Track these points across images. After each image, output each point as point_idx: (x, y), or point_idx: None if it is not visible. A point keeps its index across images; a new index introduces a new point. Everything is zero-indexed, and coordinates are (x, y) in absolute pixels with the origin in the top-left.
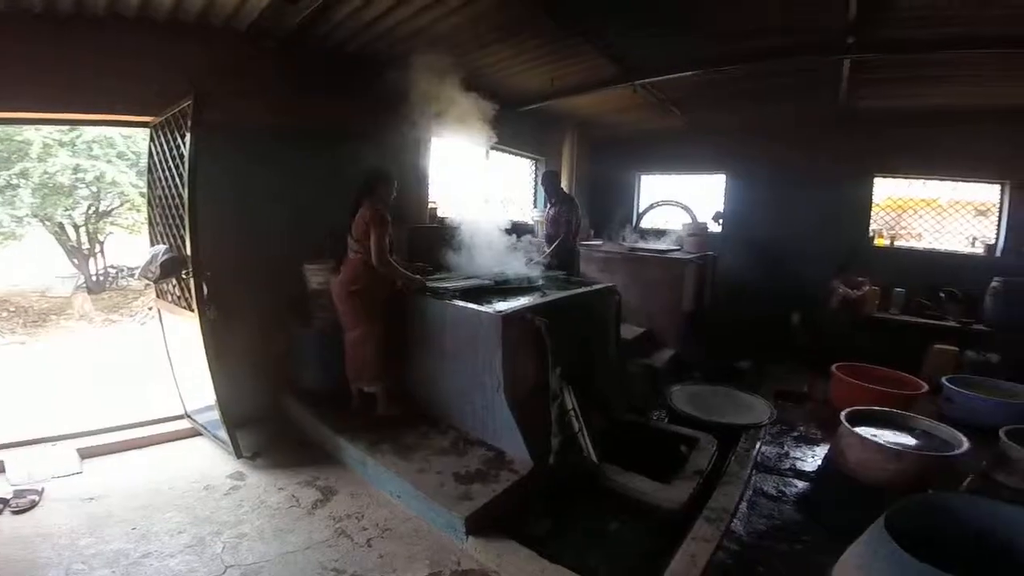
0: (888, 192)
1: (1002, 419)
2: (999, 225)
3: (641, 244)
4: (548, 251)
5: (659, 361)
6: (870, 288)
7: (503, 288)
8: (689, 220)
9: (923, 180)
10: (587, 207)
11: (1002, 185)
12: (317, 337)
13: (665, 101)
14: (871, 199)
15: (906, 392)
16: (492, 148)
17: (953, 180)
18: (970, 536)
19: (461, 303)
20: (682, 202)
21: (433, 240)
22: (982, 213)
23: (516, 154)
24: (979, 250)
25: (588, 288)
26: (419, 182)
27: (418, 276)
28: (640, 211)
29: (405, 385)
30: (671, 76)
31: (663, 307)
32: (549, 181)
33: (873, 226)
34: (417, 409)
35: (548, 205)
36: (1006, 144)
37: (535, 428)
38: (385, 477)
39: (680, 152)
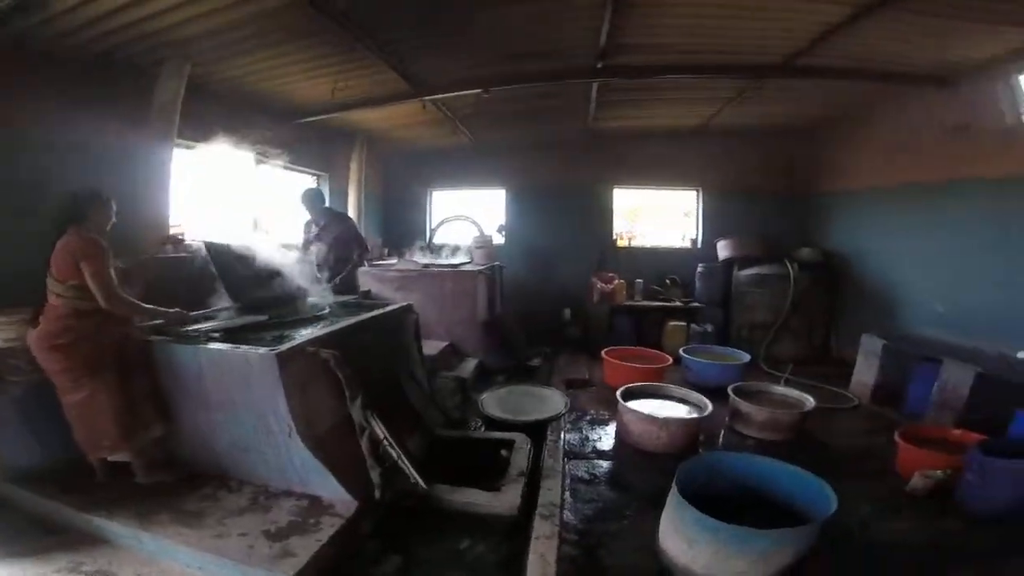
0: (627, 199)
1: (727, 379)
2: (697, 223)
3: (435, 260)
4: (343, 274)
5: (465, 372)
6: (619, 281)
7: (282, 322)
8: (477, 233)
9: (647, 189)
10: (380, 225)
11: (697, 191)
12: (16, 403)
13: (453, 118)
14: (612, 207)
15: (658, 366)
16: (264, 162)
17: (666, 188)
18: (739, 485)
19: (220, 346)
20: (471, 216)
21: (182, 272)
22: (687, 215)
23: (296, 170)
24: (687, 244)
25: (382, 311)
26: (157, 203)
27: (176, 310)
28: (433, 227)
29: (171, 445)
30: (454, 94)
31: (461, 319)
32: (310, 200)
33: (616, 230)
34: (194, 470)
35: (315, 226)
36: (699, 157)
37: (349, 465)
38: (174, 550)
39: (468, 168)
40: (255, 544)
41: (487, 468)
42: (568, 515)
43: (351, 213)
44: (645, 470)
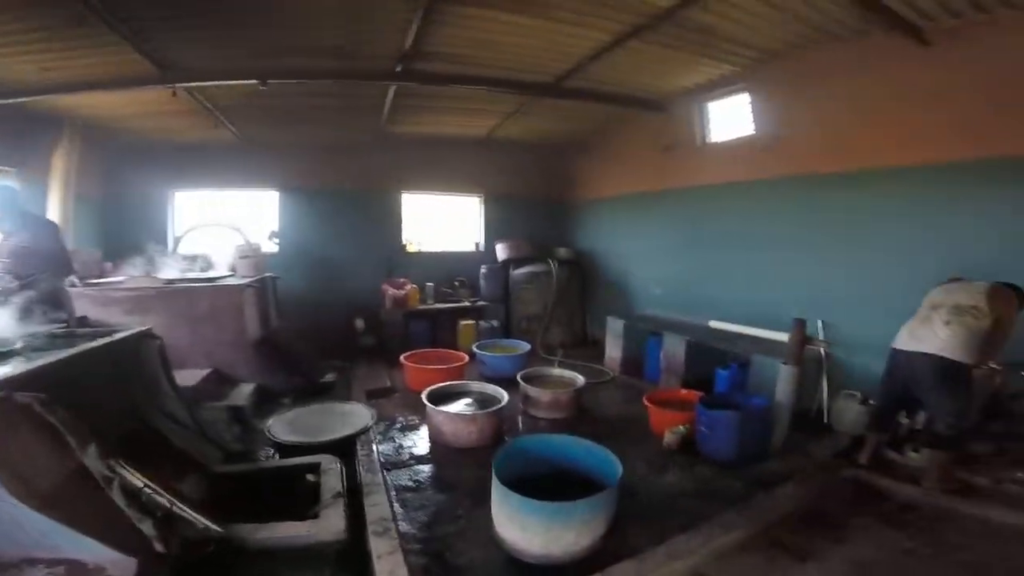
0: (416, 205)
1: (515, 368)
2: (480, 228)
3: (184, 275)
4: (42, 295)
5: (240, 399)
6: (411, 287)
7: None
8: (241, 241)
9: (435, 194)
10: (99, 234)
11: (480, 197)
12: None
13: (214, 111)
14: (401, 212)
15: (456, 365)
16: None
17: (453, 194)
18: (547, 464)
19: None
20: (231, 222)
21: None
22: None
23: None
24: (472, 248)
25: (108, 339)
26: None
27: None
28: (178, 235)
29: None
30: (219, 83)
31: (226, 340)
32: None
33: (405, 235)
34: None
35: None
36: (482, 165)
37: (108, 520)
38: None
39: (227, 166)
40: None
41: (295, 498)
42: (404, 526)
43: (54, 218)
44: (465, 467)
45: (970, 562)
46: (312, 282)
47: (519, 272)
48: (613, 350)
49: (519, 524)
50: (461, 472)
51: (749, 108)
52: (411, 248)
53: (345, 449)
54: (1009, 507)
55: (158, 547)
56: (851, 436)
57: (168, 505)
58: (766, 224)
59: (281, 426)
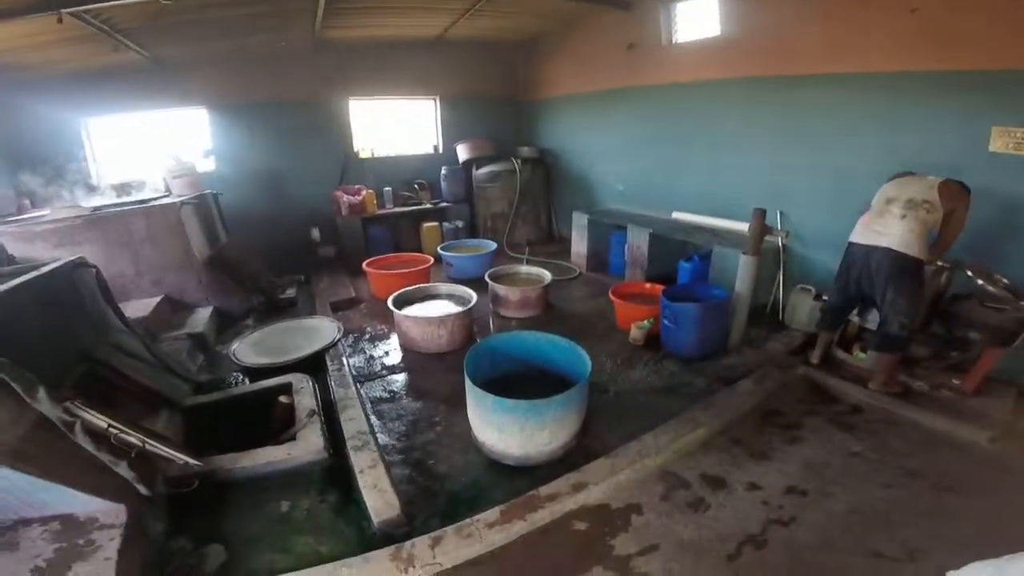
0: (365, 110)
1: (482, 268)
2: (437, 130)
3: (113, 200)
4: None
5: (199, 325)
6: (367, 192)
7: None
8: (173, 163)
9: (386, 99)
10: (10, 172)
11: (435, 99)
12: None
13: (114, 34)
14: (349, 118)
15: (421, 268)
16: None
17: (405, 98)
18: (519, 363)
19: None
20: (158, 144)
21: None
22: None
23: None
24: (430, 150)
25: (33, 274)
26: None
27: None
28: (99, 162)
29: None
30: (114, 2)
31: (172, 264)
32: None
33: (357, 142)
34: None
35: None
36: (437, 67)
37: (81, 467)
38: None
39: (145, 88)
40: None
41: (270, 421)
42: (383, 438)
43: None
44: (438, 372)
45: (910, 469)
46: (259, 196)
47: (482, 172)
48: (579, 246)
49: (495, 425)
50: (435, 378)
51: (716, 8)
52: (363, 155)
53: (315, 366)
54: (943, 415)
55: (142, 489)
56: (804, 334)
57: (140, 444)
58: (729, 122)
59: (246, 349)
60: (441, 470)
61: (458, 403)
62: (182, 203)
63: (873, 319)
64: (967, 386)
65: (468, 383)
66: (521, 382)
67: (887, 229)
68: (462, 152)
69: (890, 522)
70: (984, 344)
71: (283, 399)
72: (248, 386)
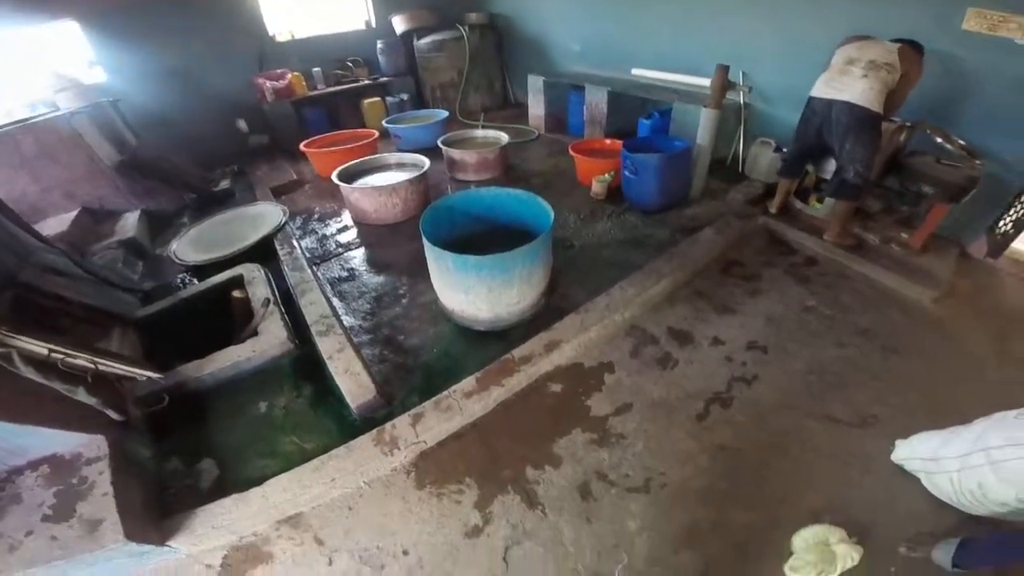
0: None
1: (433, 137)
2: (368, 4)
3: None
4: None
5: (128, 230)
6: (293, 75)
7: None
8: (53, 79)
9: None
10: None
11: None
12: None
13: None
14: (259, 2)
15: (366, 142)
16: None
17: None
18: (479, 220)
19: None
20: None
21: None
22: None
23: None
24: (362, 26)
25: None
26: None
27: None
28: None
29: None
30: None
31: (79, 175)
32: None
33: (274, 24)
34: None
35: None
36: None
37: (46, 404)
38: None
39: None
40: (56, 535)
41: (231, 320)
42: (348, 319)
43: None
44: (397, 243)
45: (861, 328)
46: (169, 97)
47: (424, 42)
48: (536, 108)
49: (461, 288)
50: (394, 249)
51: None
52: (282, 38)
53: (266, 255)
54: (892, 271)
55: (113, 415)
56: (764, 184)
57: (91, 365)
58: None
59: (186, 246)
60: (413, 343)
61: (422, 273)
62: (72, 114)
63: (830, 169)
64: (914, 241)
65: (427, 244)
66: (484, 243)
67: (848, 85)
68: (398, 24)
69: (844, 383)
70: (934, 199)
71: (237, 293)
72: (197, 286)
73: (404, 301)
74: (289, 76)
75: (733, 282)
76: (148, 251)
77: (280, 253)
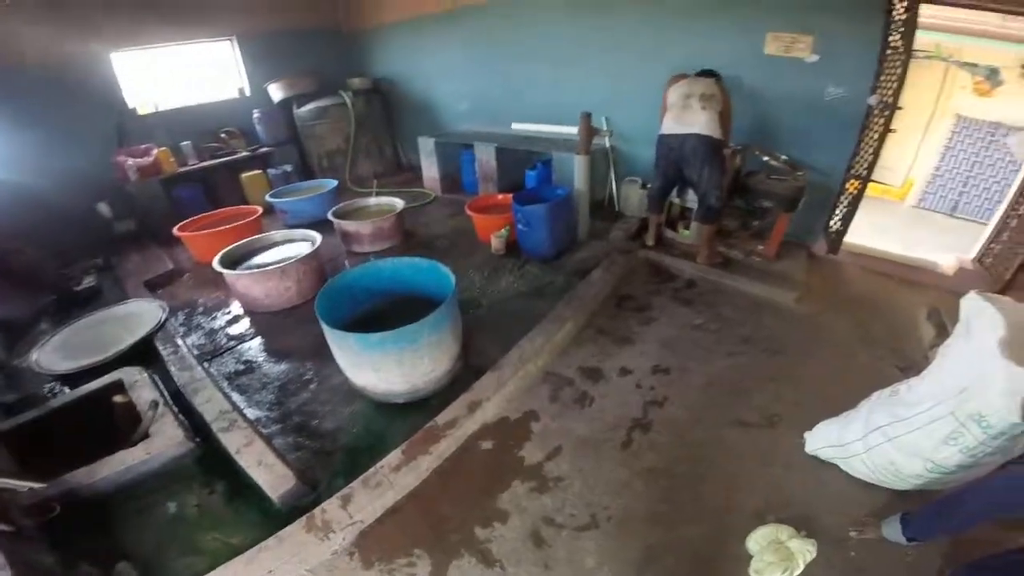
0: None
1: (323, 209)
2: (241, 73)
3: None
4: None
5: None
6: (159, 150)
7: None
8: None
9: (164, 47)
10: None
11: (231, 40)
12: None
13: None
14: (115, 74)
15: (248, 220)
16: None
17: (191, 43)
18: (381, 295)
19: None
20: None
21: None
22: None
23: None
24: (236, 95)
25: None
26: None
27: None
28: None
29: None
30: None
31: None
32: None
33: (134, 97)
34: None
35: None
36: (232, 4)
37: None
38: None
39: None
40: None
41: (115, 425)
42: (253, 412)
43: None
44: (295, 329)
45: (744, 336)
46: (12, 185)
47: (305, 109)
48: (430, 170)
49: (370, 366)
50: (294, 335)
51: None
52: (144, 111)
53: (147, 354)
54: (758, 280)
55: (2, 527)
56: (638, 219)
57: None
58: (558, 38)
59: (51, 354)
60: (328, 427)
61: (327, 355)
62: None
63: (692, 199)
64: (768, 251)
65: (325, 327)
66: (389, 315)
67: (694, 119)
68: (275, 92)
69: (744, 389)
70: (775, 211)
71: (119, 398)
72: (70, 394)
73: (312, 386)
74: (155, 152)
75: (627, 314)
76: (4, 365)
77: (164, 353)
